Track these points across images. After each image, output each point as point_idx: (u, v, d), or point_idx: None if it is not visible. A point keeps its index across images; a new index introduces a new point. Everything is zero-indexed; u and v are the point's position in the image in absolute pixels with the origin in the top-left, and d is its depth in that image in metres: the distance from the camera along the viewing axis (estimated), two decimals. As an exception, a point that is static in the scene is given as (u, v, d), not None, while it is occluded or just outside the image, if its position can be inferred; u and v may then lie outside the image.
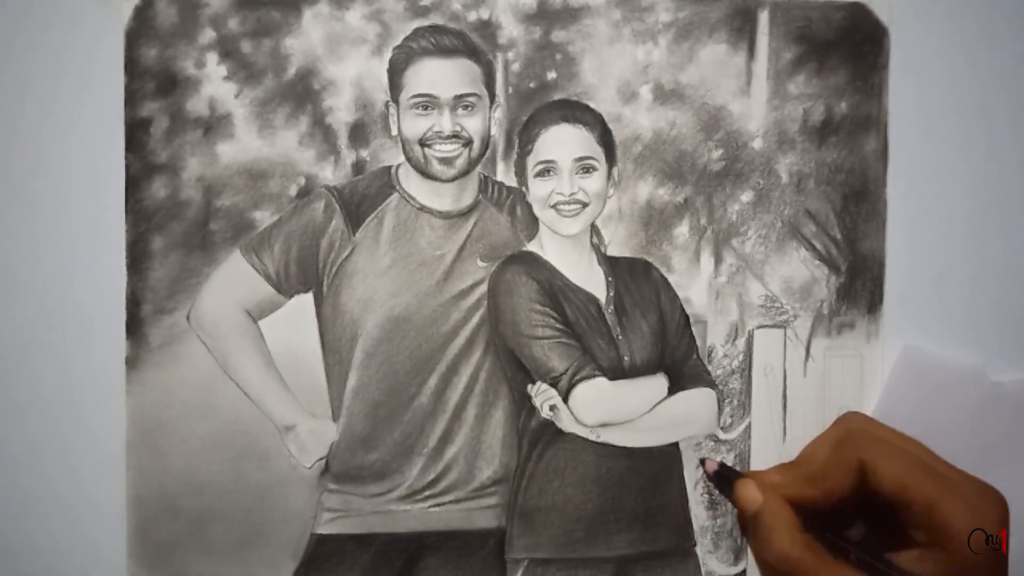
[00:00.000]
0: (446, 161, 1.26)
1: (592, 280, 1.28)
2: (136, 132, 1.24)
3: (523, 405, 1.26)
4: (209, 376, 1.25)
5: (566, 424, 1.23)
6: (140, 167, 1.24)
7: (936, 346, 1.28)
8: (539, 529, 1.24)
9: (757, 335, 1.29)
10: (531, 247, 1.28)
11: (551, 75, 1.27)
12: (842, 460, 0.74)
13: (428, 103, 1.25)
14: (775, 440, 1.29)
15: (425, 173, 1.27)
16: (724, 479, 0.78)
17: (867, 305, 1.29)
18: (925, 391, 1.20)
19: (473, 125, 1.26)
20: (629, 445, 1.25)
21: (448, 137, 1.25)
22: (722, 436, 1.29)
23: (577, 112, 1.26)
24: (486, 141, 1.28)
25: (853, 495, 0.73)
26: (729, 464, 0.77)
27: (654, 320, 1.28)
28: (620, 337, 1.26)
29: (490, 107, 1.27)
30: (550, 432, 1.24)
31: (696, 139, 1.28)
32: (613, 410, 1.24)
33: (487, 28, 1.26)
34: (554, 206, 1.25)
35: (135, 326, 1.24)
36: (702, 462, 0.82)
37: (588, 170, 1.25)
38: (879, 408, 1.23)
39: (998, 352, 1.27)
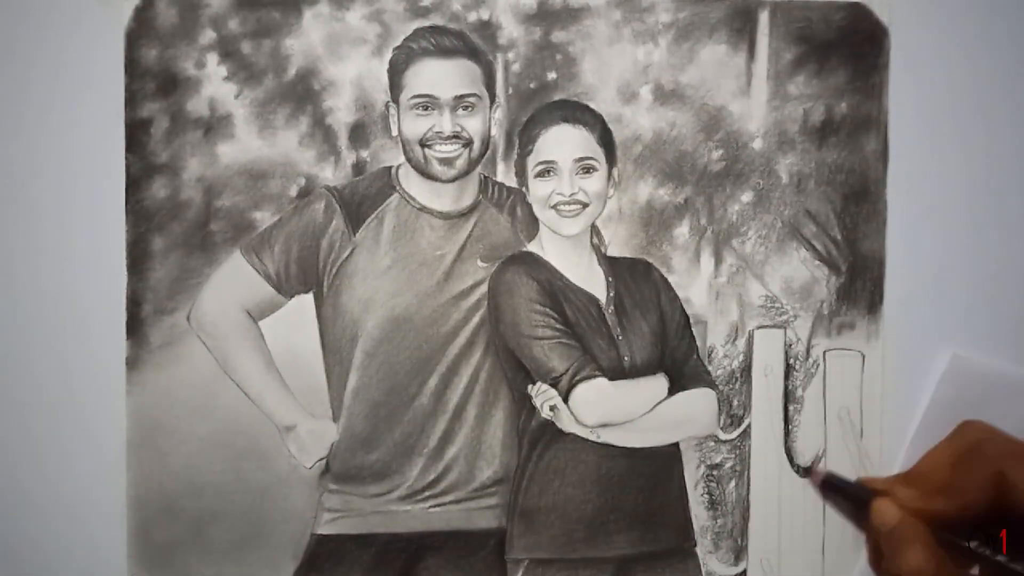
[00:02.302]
0: (446, 161, 1.26)
1: (592, 280, 1.28)
2: (136, 132, 1.24)
3: (523, 405, 1.26)
4: (209, 376, 1.25)
5: (566, 424, 1.23)
6: (140, 167, 1.24)
7: (936, 346, 1.28)
8: (539, 529, 1.24)
9: (757, 335, 1.29)
10: (531, 247, 1.28)
11: (551, 75, 1.27)
12: (977, 474, 0.73)
13: (428, 103, 1.25)
14: (775, 440, 1.29)
15: (425, 173, 1.27)
16: (838, 490, 0.77)
17: (867, 305, 1.29)
18: (972, 401, 1.19)
19: (473, 125, 1.26)
20: (629, 445, 1.25)
21: (448, 138, 1.25)
22: (722, 436, 1.29)
23: (577, 112, 1.26)
24: (486, 141, 1.28)
25: (987, 509, 0.72)
26: (834, 473, 0.75)
27: (654, 320, 1.28)
28: (620, 337, 1.26)
29: (490, 107, 1.27)
30: (550, 432, 1.24)
31: (696, 139, 1.28)
32: (613, 410, 1.24)
33: (487, 29, 1.26)
34: (554, 206, 1.25)
35: (135, 327, 1.24)
36: (806, 472, 0.82)
37: (588, 170, 1.25)
38: (925, 418, 1.22)
39: (998, 352, 1.27)
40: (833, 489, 0.78)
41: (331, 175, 1.27)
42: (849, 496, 0.76)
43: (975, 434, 0.74)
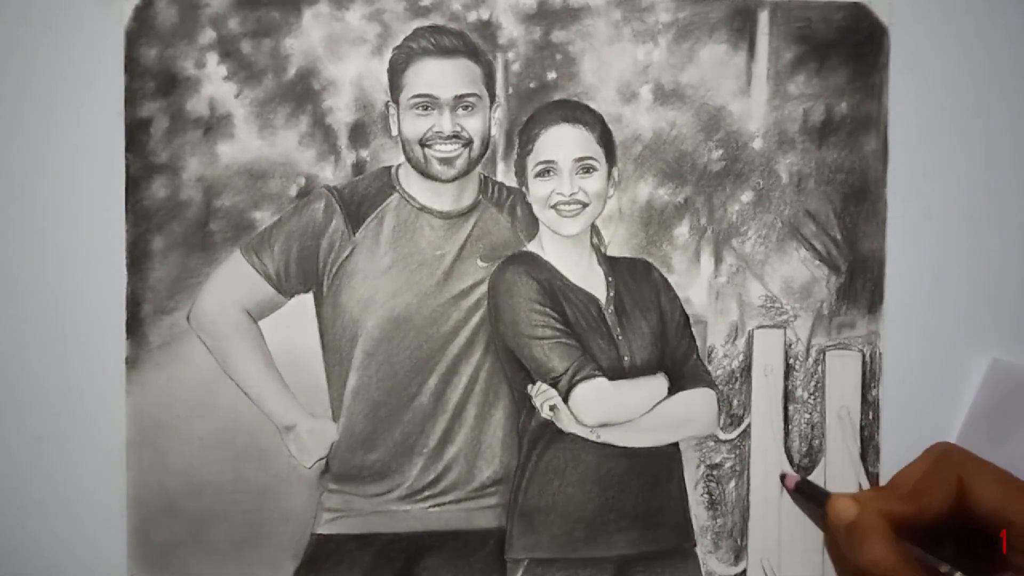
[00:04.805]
0: (446, 161, 1.26)
1: (592, 280, 1.28)
2: (136, 132, 1.24)
3: (523, 405, 1.26)
4: (209, 376, 1.25)
5: (566, 424, 1.23)
6: (140, 167, 1.24)
7: (936, 345, 1.28)
8: (539, 529, 1.24)
9: (757, 335, 1.29)
10: (531, 247, 1.28)
11: (551, 75, 1.27)
12: (939, 477, 0.74)
13: (428, 103, 1.25)
14: (775, 440, 1.29)
15: (425, 173, 1.27)
16: (808, 495, 0.79)
17: (867, 305, 1.29)
18: (1015, 405, 1.19)
19: (473, 125, 1.26)
20: (629, 445, 1.25)
21: (448, 137, 1.25)
22: (722, 436, 1.29)
23: (577, 112, 1.26)
24: (486, 141, 1.28)
25: (948, 514, 0.73)
26: (803, 476, 0.78)
27: (654, 320, 1.28)
28: (620, 337, 1.26)
29: (490, 107, 1.27)
30: (550, 432, 1.24)
31: (696, 139, 1.28)
32: (613, 410, 1.24)
33: (487, 28, 1.26)
34: (554, 206, 1.25)
35: (135, 326, 1.24)
36: (782, 478, 0.83)
37: (588, 170, 1.25)
38: (967, 424, 1.22)
39: (997, 353, 1.27)
40: (803, 493, 0.79)
41: (331, 175, 1.27)
42: (816, 499, 0.77)
43: (944, 446, 0.77)
